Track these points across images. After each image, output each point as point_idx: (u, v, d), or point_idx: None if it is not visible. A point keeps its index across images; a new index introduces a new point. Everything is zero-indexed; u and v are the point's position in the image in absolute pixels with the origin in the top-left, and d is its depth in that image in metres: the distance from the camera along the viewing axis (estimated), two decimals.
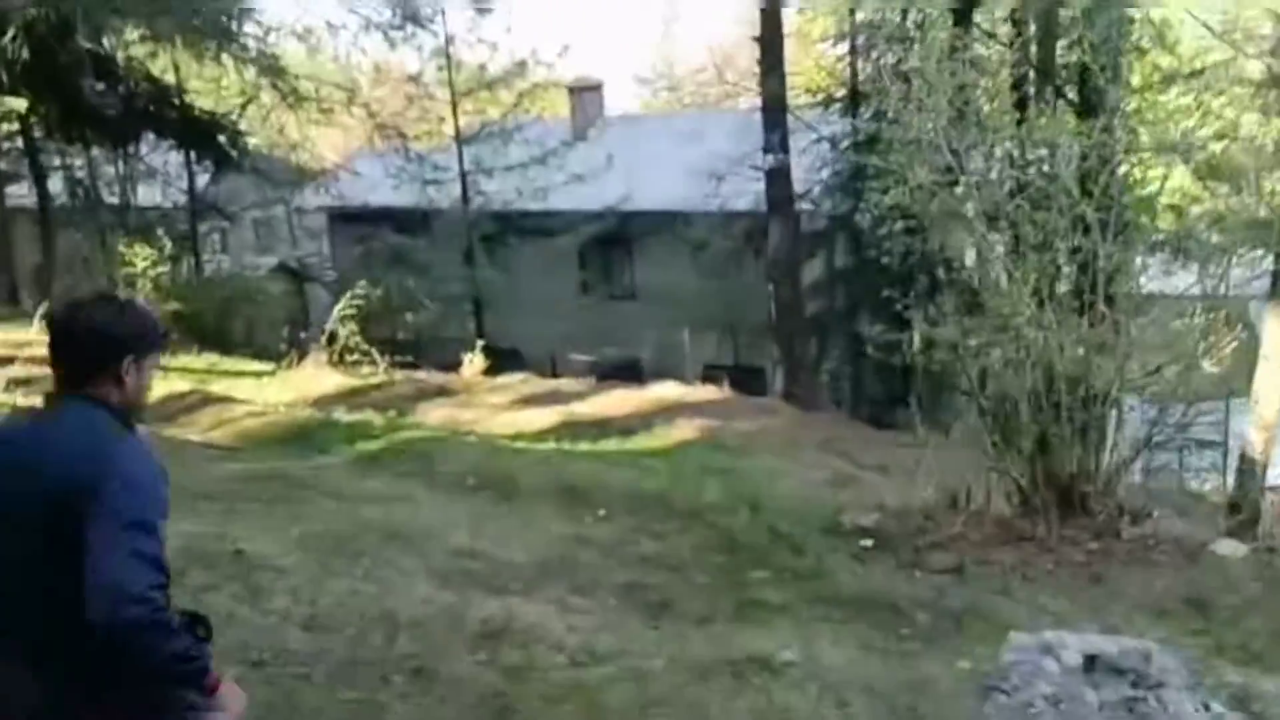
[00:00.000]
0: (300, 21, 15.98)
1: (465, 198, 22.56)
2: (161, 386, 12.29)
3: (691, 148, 22.06)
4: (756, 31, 17.04)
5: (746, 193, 20.01)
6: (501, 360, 19.48)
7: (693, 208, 21.32)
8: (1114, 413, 6.60)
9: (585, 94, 29.17)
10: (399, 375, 14.88)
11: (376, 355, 13.48)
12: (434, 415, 12.53)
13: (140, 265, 15.05)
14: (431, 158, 22.90)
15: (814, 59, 21.71)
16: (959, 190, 7.02)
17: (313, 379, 12.77)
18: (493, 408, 13.33)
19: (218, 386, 12.79)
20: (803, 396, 16.67)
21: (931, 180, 6.93)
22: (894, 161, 7.02)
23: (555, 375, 19.50)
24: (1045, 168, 8.10)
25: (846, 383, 19.37)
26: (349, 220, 26.82)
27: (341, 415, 10.77)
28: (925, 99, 7.59)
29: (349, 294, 12.13)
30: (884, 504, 7.40)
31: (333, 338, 11.79)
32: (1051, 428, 6.49)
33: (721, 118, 26.47)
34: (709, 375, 19.36)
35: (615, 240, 24.30)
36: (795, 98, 19.01)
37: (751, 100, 23.49)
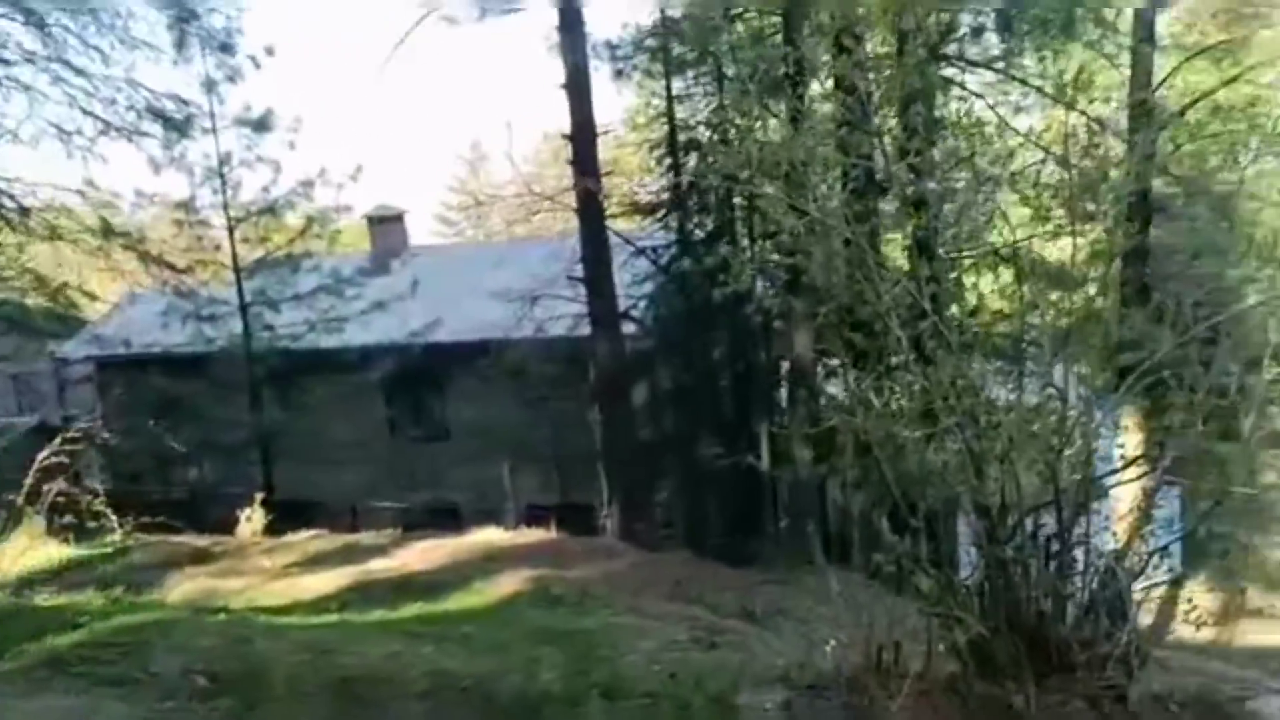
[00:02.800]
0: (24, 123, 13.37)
1: (247, 333, 19.94)
2: None
3: (503, 273, 20.39)
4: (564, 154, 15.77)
5: (564, 316, 18.40)
6: (298, 514, 16.92)
7: (506, 334, 19.50)
8: (1083, 522, 4.89)
9: (386, 224, 27.34)
10: (153, 539, 12.10)
11: (113, 518, 10.76)
12: (185, 588, 9.90)
13: None
14: (209, 291, 20.33)
15: (629, 174, 20.47)
16: None
17: (24, 553, 9.95)
18: (266, 573, 10.78)
19: None
20: (642, 534, 14.69)
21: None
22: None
23: (357, 528, 17.00)
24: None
25: (684, 515, 17.51)
26: (120, 368, 23.77)
27: (45, 599, 8.05)
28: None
29: (58, 440, 9.51)
30: (786, 672, 5.40)
31: (34, 496, 9.06)
32: (1008, 550, 4.71)
33: (534, 244, 25.04)
34: (533, 515, 17.37)
35: (424, 374, 22.17)
36: (612, 208, 17.59)
37: (564, 224, 22.17)
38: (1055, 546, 4.79)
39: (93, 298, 22.87)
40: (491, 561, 11.41)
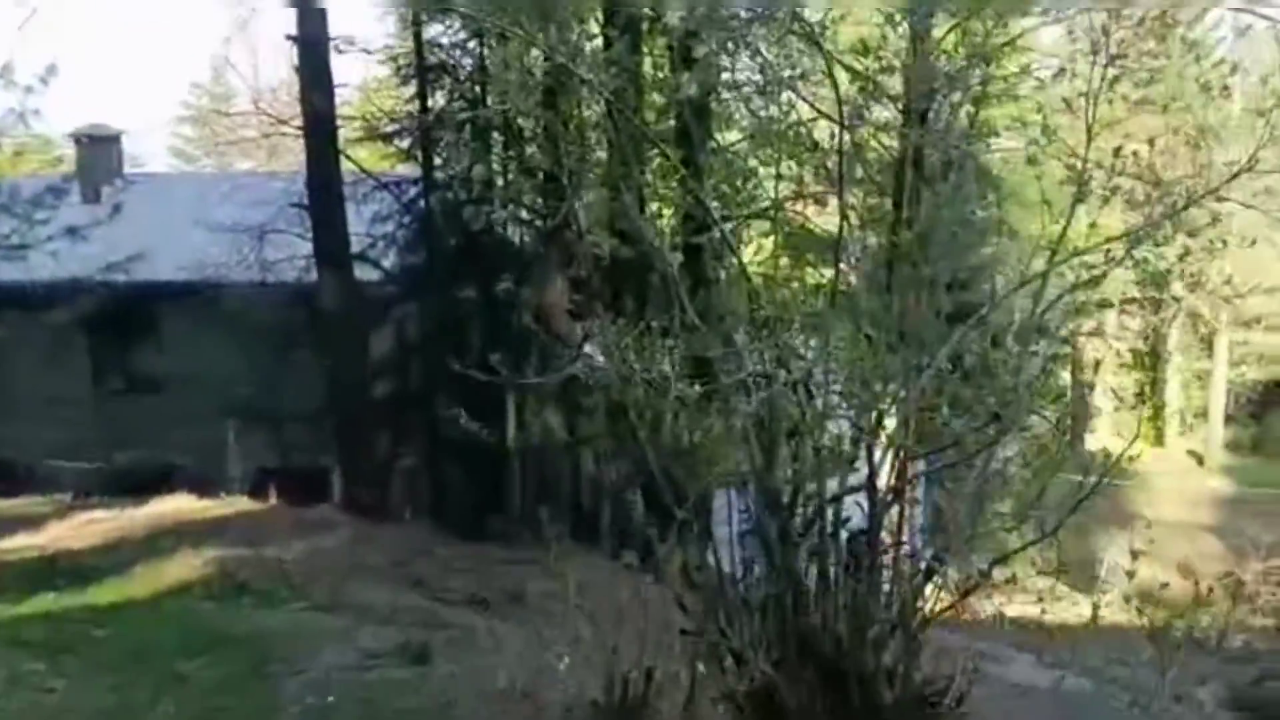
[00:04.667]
0: None
1: None
2: None
3: (233, 207, 17.89)
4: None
5: (298, 257, 16.24)
6: None
7: (236, 277, 17.07)
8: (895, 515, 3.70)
9: (97, 145, 23.80)
10: None
11: None
12: None
13: None
14: None
15: (372, 104, 18.29)
16: None
17: None
18: None
19: None
20: (369, 503, 12.90)
21: None
22: None
23: (32, 492, 14.51)
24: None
25: (421, 483, 15.79)
26: None
27: None
28: None
29: None
30: (505, 705, 3.98)
31: None
32: (801, 554, 3.44)
33: (273, 177, 22.49)
34: (263, 480, 15.33)
35: (132, 317, 19.22)
36: (352, 134, 15.51)
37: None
38: (862, 548, 3.56)
39: None
40: (172, 538, 9.47)
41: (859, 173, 5.76)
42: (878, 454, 3.49)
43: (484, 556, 11.10)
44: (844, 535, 3.63)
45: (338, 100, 14.60)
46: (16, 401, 18.77)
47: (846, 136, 5.13)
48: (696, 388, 3.31)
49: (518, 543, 12.19)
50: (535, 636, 7.51)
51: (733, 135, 16.92)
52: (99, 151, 23.76)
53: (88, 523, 10.07)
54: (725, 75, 16.07)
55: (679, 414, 3.44)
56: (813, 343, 3.83)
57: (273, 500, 13.82)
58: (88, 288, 17.84)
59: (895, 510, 3.71)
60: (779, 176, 4.65)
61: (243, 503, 12.21)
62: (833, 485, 3.85)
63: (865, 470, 3.70)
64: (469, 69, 15.00)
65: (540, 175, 13.64)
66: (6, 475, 16.35)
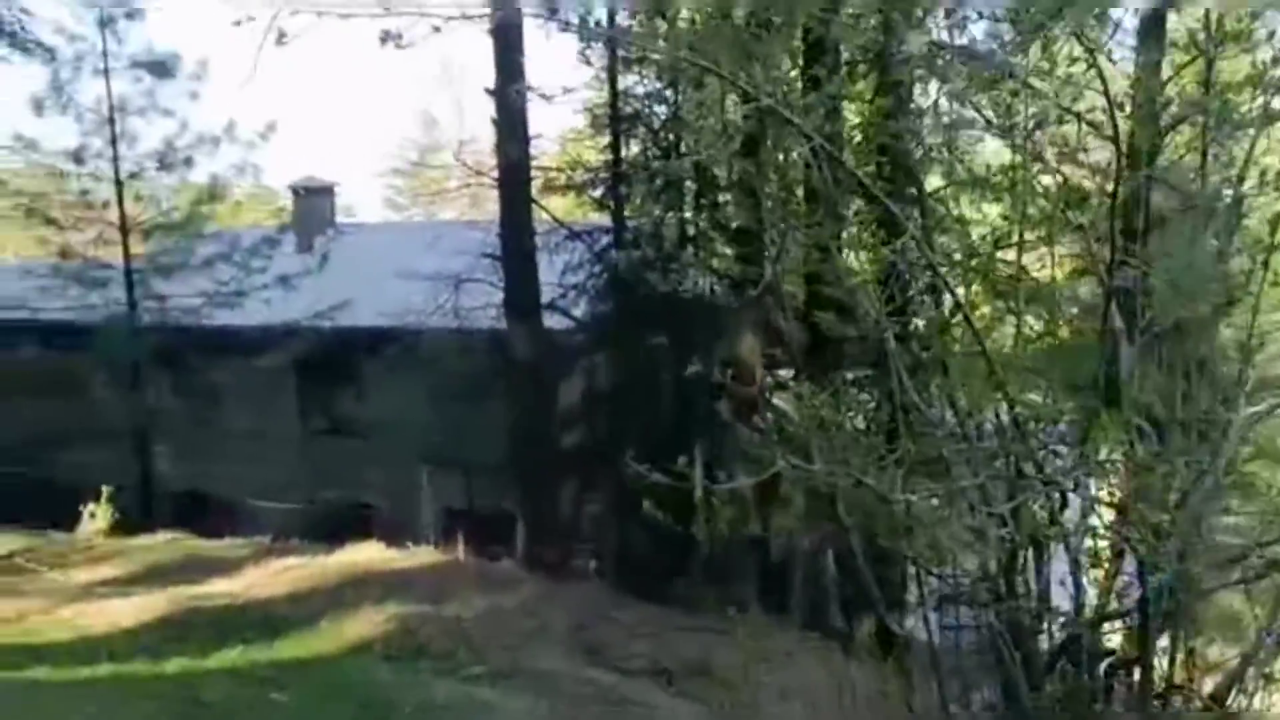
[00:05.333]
0: None
1: (131, 303, 17.67)
2: None
3: (433, 257, 18.39)
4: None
5: (489, 306, 16.40)
6: (183, 510, 15.79)
7: (433, 324, 17.45)
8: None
9: (312, 197, 25.05)
10: None
11: None
12: None
13: None
14: (94, 255, 18.10)
15: (568, 154, 18.36)
16: None
17: None
18: (64, 593, 8.68)
19: None
20: (551, 559, 12.67)
21: None
22: None
23: (232, 531, 15.02)
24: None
25: (605, 539, 15.49)
26: None
27: None
28: None
29: None
30: None
31: None
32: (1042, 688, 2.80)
33: (472, 225, 23.08)
34: (449, 525, 15.52)
35: (340, 362, 19.96)
36: (542, 184, 15.51)
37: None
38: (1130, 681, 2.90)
39: None
40: (358, 590, 9.40)
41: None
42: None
43: (667, 622, 10.61)
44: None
45: (533, 150, 14.72)
46: (228, 441, 19.73)
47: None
48: (932, 499, 2.76)
49: (702, 607, 11.68)
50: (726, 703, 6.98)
51: (936, 180, 16.04)
52: (314, 203, 25.04)
53: (282, 570, 10.15)
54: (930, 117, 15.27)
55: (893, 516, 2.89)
56: (1061, 427, 3.21)
57: (459, 550, 13.78)
58: (297, 333, 18.60)
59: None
60: (1023, 234, 4.06)
61: (428, 554, 12.17)
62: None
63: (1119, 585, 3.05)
64: (663, 118, 14.83)
65: (732, 228, 13.30)
66: (216, 513, 17.13)
